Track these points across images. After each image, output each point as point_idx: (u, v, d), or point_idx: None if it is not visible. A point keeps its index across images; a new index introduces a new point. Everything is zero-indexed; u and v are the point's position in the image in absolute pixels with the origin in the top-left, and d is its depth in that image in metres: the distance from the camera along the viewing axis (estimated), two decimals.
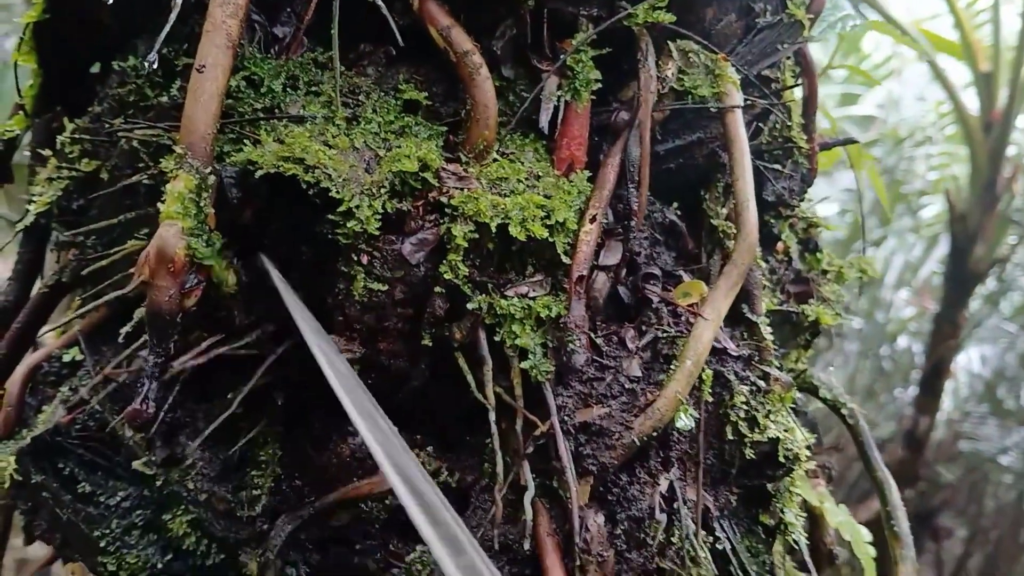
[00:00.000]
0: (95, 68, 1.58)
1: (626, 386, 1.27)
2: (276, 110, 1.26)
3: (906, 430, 7.99)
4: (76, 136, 1.42)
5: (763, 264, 1.57)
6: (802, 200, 1.65)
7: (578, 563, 1.19)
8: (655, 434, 1.24)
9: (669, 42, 1.41)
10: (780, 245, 1.65)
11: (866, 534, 1.76)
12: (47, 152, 1.50)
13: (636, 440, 1.23)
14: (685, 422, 1.25)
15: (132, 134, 1.30)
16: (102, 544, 1.33)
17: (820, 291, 1.73)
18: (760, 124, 1.54)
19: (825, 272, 1.79)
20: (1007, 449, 8.79)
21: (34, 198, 1.47)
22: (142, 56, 1.36)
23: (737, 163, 1.35)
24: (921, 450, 7.81)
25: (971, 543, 9.16)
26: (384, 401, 1.31)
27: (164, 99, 1.33)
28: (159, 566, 1.33)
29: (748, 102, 1.44)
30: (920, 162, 9.61)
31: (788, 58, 1.56)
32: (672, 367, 1.27)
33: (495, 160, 1.30)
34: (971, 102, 6.90)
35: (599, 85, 1.36)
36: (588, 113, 1.35)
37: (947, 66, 7.38)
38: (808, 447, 1.57)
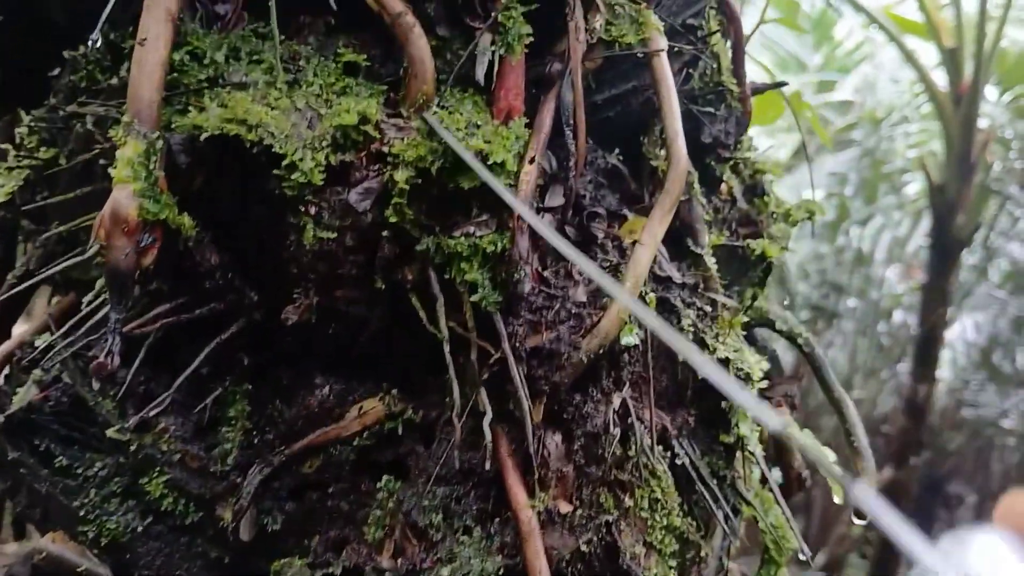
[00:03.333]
0: (54, 72, 1.64)
1: (573, 311, 1.33)
2: (219, 80, 1.32)
3: (906, 399, 8.08)
4: (33, 126, 1.48)
5: (706, 203, 1.63)
6: (739, 143, 1.72)
7: (537, 477, 1.25)
8: (603, 352, 1.30)
9: None
10: (723, 186, 1.71)
11: (831, 454, 1.81)
12: (6, 147, 1.56)
13: (584, 358, 1.29)
14: (630, 339, 1.31)
15: (85, 114, 1.37)
16: (82, 513, 1.38)
17: (768, 231, 1.79)
18: (690, 71, 1.61)
19: (773, 214, 1.85)
20: (1007, 412, 8.89)
21: None
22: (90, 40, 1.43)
23: (664, 100, 1.41)
24: (922, 418, 7.89)
25: (982, 508, 9.23)
26: (347, 348, 1.37)
27: (114, 81, 1.40)
28: (139, 529, 1.39)
29: (675, 49, 1.51)
30: (899, 141, 9.74)
31: (713, 8, 1.62)
32: None
33: (435, 113, 1.36)
34: (940, 80, 7.04)
35: (531, 39, 1.41)
36: (523, 66, 1.41)
37: (915, 47, 7.53)
38: (768, 375, 1.64)
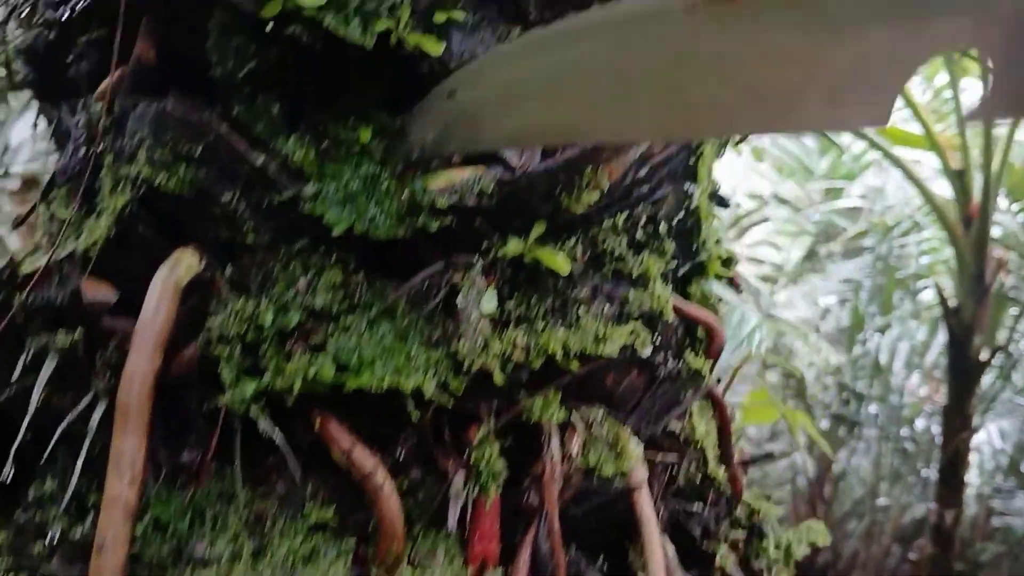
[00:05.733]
0: None
1: None
2: (182, 553, 1.28)
3: (932, 525, 7.90)
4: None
5: None
6: (732, 514, 1.66)
7: None
8: None
9: (574, 411, 1.43)
10: (717, 560, 1.65)
11: None
12: None
13: None
14: None
15: None
16: None
17: None
18: (674, 472, 1.56)
19: (775, 559, 1.78)
20: None
21: None
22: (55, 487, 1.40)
23: (647, 542, 1.37)
24: (951, 544, 7.69)
25: None
26: None
27: (77, 536, 1.36)
28: None
29: (658, 458, 1.47)
30: (911, 247, 9.69)
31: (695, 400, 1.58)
32: None
33: (405, 569, 1.31)
34: (946, 191, 6.94)
35: (507, 473, 1.38)
36: (497, 507, 1.37)
37: (919, 158, 7.47)
38: None
